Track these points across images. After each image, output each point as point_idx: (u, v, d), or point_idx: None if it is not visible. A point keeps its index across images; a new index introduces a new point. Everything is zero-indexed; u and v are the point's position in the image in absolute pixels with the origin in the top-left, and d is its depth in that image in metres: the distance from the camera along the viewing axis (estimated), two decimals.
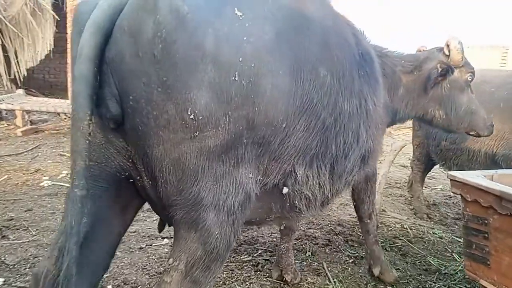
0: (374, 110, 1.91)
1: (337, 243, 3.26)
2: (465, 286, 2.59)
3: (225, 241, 1.52)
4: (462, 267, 2.70)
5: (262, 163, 1.57)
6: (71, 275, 1.32)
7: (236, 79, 1.33)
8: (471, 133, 2.45)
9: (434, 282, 2.70)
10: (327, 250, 3.17)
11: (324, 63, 1.63)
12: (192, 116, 1.31)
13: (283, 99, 1.50)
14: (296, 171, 1.68)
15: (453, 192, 1.78)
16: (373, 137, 1.95)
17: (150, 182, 1.50)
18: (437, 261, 3.03)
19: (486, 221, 1.67)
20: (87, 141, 1.31)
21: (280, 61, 1.45)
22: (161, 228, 2.01)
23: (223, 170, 1.45)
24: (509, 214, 1.53)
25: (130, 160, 1.51)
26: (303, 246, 3.22)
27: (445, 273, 2.85)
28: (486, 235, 1.69)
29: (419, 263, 3.01)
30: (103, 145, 1.49)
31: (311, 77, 1.57)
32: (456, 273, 2.82)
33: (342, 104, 1.71)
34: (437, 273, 2.85)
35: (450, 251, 3.22)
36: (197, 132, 1.34)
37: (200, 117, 1.32)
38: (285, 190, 1.70)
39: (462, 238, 1.79)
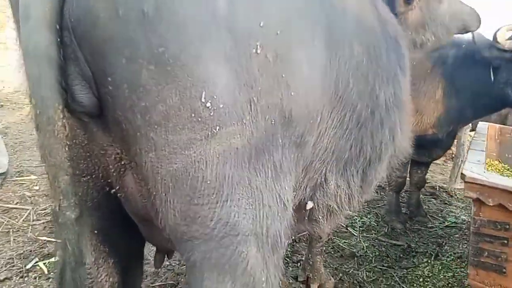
0: (407, 100, 1.61)
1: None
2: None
3: None
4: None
5: (297, 173, 1.12)
6: None
7: (259, 52, 0.93)
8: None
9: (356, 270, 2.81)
10: None
11: (359, 37, 1.28)
12: (208, 104, 0.89)
13: (320, 79, 1.10)
14: (328, 181, 1.28)
15: (466, 196, 1.60)
16: (406, 134, 1.65)
17: (145, 201, 1.06)
18: (344, 242, 3.22)
19: (508, 226, 1.54)
20: (67, 147, 0.92)
21: (313, 28, 1.08)
22: (159, 263, 1.53)
23: (260, 182, 0.99)
24: None
25: (118, 161, 1.06)
26: None
27: (360, 255, 3.00)
28: (506, 242, 1.57)
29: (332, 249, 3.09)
30: (85, 146, 1.03)
31: (347, 54, 1.20)
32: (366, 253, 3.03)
33: (379, 92, 1.35)
34: (354, 257, 2.98)
35: (345, 226, 3.47)
36: (218, 128, 0.91)
37: (221, 105, 0.90)
38: (309, 205, 1.32)
39: (470, 246, 1.63)
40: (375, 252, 3.12)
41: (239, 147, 0.93)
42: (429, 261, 2.98)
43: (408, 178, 3.86)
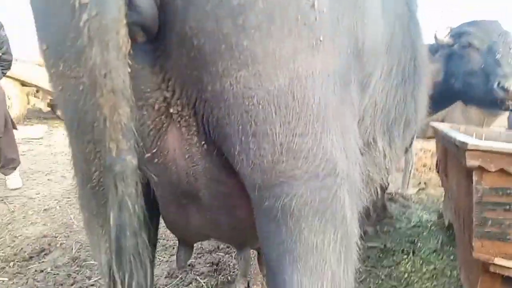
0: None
1: None
2: None
3: (355, 259, 0.90)
4: None
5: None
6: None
7: None
8: None
9: None
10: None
11: None
12: (315, 4, 0.72)
13: (380, 15, 1.03)
14: (377, 142, 1.18)
15: (469, 166, 1.63)
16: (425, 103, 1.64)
17: (204, 145, 0.85)
18: None
19: (509, 191, 1.58)
20: (128, 71, 0.68)
21: None
22: (184, 261, 1.32)
23: (348, 118, 0.86)
24: None
25: (162, 112, 0.83)
26: None
27: None
28: (508, 207, 1.59)
29: None
30: None
31: (392, 8, 1.15)
32: None
33: (418, 46, 1.31)
34: None
35: None
36: (321, 38, 0.75)
37: (324, 10, 0.75)
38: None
39: (474, 217, 1.64)
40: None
41: (335, 70, 0.80)
42: (408, 257, 3.00)
43: None
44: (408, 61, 1.26)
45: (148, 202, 0.99)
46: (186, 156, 0.86)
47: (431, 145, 7.14)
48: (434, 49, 3.01)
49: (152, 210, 1.10)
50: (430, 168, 6.57)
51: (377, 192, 1.48)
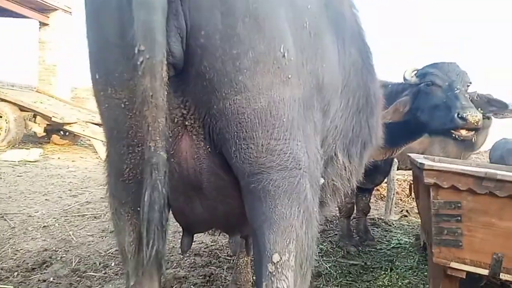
0: (381, 98, 1.98)
1: None
2: None
3: (317, 230, 1.17)
4: None
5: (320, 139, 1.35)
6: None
7: (306, 26, 1.22)
8: None
9: (325, 285, 3.01)
10: None
11: (354, 43, 1.68)
12: (285, 54, 1.10)
13: (336, 64, 1.40)
14: (337, 157, 1.52)
15: (426, 183, 1.95)
16: (380, 125, 1.99)
17: (209, 149, 1.18)
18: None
19: (460, 204, 1.89)
20: (166, 93, 1.01)
21: (330, 23, 1.42)
22: (187, 246, 1.59)
23: (309, 131, 1.22)
24: (487, 193, 1.79)
25: (179, 124, 1.16)
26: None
27: (326, 273, 3.18)
28: (459, 218, 1.90)
29: None
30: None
31: (347, 51, 1.55)
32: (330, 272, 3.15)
33: (369, 86, 1.70)
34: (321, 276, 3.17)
35: None
36: (290, 76, 1.12)
37: (292, 58, 1.12)
38: (321, 181, 1.50)
39: (432, 228, 1.94)
40: (338, 271, 3.30)
41: (299, 97, 1.15)
42: (386, 273, 3.24)
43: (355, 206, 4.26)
44: (361, 97, 1.67)
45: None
46: (195, 157, 1.19)
47: None
48: (403, 88, 3.41)
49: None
50: (413, 198, 6.90)
51: (342, 199, 1.82)
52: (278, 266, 1.11)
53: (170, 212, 1.45)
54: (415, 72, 3.30)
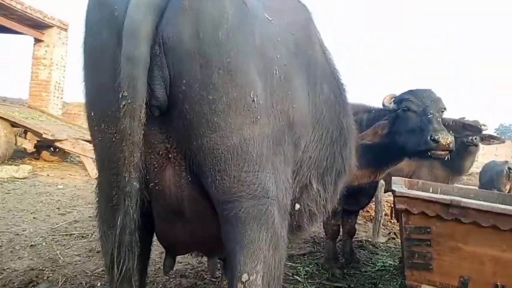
0: (354, 129, 2.13)
1: None
2: None
3: (284, 252, 1.28)
4: None
5: (293, 169, 1.49)
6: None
7: (276, 73, 1.38)
8: None
9: None
10: None
11: (326, 82, 1.83)
12: (254, 99, 1.26)
13: (306, 103, 1.55)
14: (312, 185, 1.67)
15: (397, 209, 2.08)
16: (354, 154, 2.14)
17: (189, 178, 1.33)
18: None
19: (429, 229, 2.02)
20: (142, 132, 1.19)
21: (299, 68, 1.59)
22: (169, 267, 1.73)
23: (278, 163, 1.36)
24: (454, 219, 1.93)
25: (164, 156, 1.32)
26: None
27: None
28: (429, 242, 2.02)
29: None
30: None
31: (319, 90, 1.71)
32: None
33: (342, 120, 1.86)
34: None
35: (291, 274, 3.61)
36: (259, 117, 1.28)
37: (260, 102, 1.28)
38: (297, 206, 1.65)
39: (405, 251, 2.06)
40: None
41: (269, 134, 1.30)
42: None
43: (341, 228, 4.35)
44: (334, 130, 1.83)
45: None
46: (177, 185, 1.34)
47: None
48: (383, 113, 3.60)
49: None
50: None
51: (318, 223, 1.95)
52: (246, 285, 1.22)
53: (154, 235, 1.56)
54: (393, 98, 3.50)
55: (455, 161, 5.68)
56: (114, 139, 1.26)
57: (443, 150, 3.01)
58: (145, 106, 1.16)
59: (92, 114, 1.34)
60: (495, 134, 5.57)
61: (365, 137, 3.40)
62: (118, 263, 1.17)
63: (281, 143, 1.35)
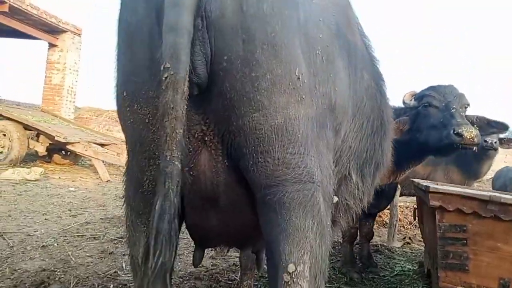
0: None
1: None
2: None
3: (330, 244, 1.27)
4: None
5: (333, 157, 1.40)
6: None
7: (319, 53, 1.32)
8: None
9: None
10: None
11: (366, 69, 1.78)
12: (300, 77, 1.20)
13: (347, 88, 1.52)
14: (351, 176, 1.59)
15: (431, 206, 1.95)
16: (390, 149, 2.05)
17: (226, 163, 1.25)
18: None
19: (465, 228, 1.89)
20: (185, 107, 1.11)
21: (341, 50, 1.49)
22: (199, 260, 1.68)
23: (322, 147, 1.27)
24: (492, 216, 1.79)
25: (199, 139, 1.25)
26: None
27: None
28: (465, 242, 1.89)
29: None
30: None
31: (359, 76, 1.66)
32: None
33: (383, 109, 1.78)
34: None
35: None
36: (304, 96, 1.22)
37: (305, 81, 1.22)
38: (335, 199, 1.53)
39: (438, 251, 1.93)
40: None
41: (313, 116, 1.23)
42: None
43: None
44: (375, 120, 1.74)
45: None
46: (213, 170, 1.26)
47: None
48: (403, 111, 3.48)
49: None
50: (415, 225, 6.84)
51: (353, 219, 1.83)
52: (293, 276, 1.14)
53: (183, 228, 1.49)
54: (414, 95, 3.37)
55: (473, 165, 5.48)
56: (147, 120, 1.21)
57: (467, 145, 2.87)
58: (188, 79, 1.09)
59: (125, 94, 1.28)
60: None
61: None
62: (154, 255, 1.05)
63: (323, 127, 1.28)
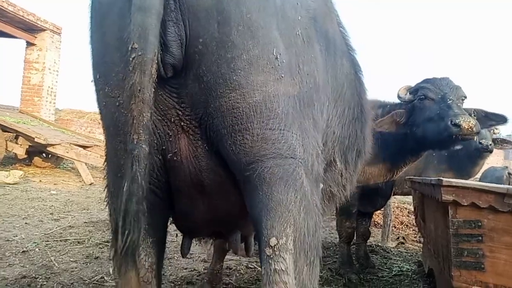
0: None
1: None
2: None
3: (319, 222, 1.22)
4: None
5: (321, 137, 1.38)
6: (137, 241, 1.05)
7: (299, 34, 1.32)
8: None
9: None
10: None
11: (345, 55, 1.75)
12: (278, 57, 1.20)
13: (326, 72, 1.49)
14: (336, 162, 1.57)
15: (444, 200, 1.86)
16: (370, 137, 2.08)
17: (206, 147, 1.25)
18: None
19: (480, 223, 1.80)
20: (153, 90, 1.08)
21: (319, 35, 1.49)
22: (187, 249, 1.68)
23: (307, 126, 1.27)
24: (510, 210, 1.71)
25: (177, 124, 1.23)
26: None
27: None
28: (480, 238, 1.80)
29: None
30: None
31: (339, 63, 1.65)
32: None
33: (362, 97, 1.82)
34: None
35: None
36: (283, 75, 1.21)
37: (284, 61, 1.22)
38: (320, 185, 1.47)
39: (452, 248, 1.83)
40: None
41: (295, 95, 1.22)
42: None
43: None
44: (355, 107, 1.76)
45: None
46: (194, 155, 1.25)
47: (408, 203, 7.48)
48: (398, 107, 3.40)
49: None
50: (407, 225, 6.84)
51: (337, 208, 1.90)
52: (275, 249, 1.14)
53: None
54: (408, 89, 3.31)
55: (466, 165, 5.47)
56: (118, 103, 1.18)
57: (466, 135, 2.80)
58: (156, 62, 1.06)
59: (98, 77, 1.26)
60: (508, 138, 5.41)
61: (382, 124, 3.20)
62: (123, 234, 1.05)
63: (310, 106, 1.28)
